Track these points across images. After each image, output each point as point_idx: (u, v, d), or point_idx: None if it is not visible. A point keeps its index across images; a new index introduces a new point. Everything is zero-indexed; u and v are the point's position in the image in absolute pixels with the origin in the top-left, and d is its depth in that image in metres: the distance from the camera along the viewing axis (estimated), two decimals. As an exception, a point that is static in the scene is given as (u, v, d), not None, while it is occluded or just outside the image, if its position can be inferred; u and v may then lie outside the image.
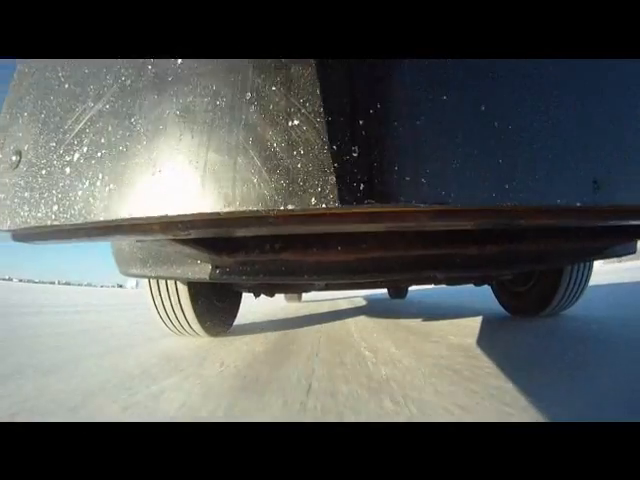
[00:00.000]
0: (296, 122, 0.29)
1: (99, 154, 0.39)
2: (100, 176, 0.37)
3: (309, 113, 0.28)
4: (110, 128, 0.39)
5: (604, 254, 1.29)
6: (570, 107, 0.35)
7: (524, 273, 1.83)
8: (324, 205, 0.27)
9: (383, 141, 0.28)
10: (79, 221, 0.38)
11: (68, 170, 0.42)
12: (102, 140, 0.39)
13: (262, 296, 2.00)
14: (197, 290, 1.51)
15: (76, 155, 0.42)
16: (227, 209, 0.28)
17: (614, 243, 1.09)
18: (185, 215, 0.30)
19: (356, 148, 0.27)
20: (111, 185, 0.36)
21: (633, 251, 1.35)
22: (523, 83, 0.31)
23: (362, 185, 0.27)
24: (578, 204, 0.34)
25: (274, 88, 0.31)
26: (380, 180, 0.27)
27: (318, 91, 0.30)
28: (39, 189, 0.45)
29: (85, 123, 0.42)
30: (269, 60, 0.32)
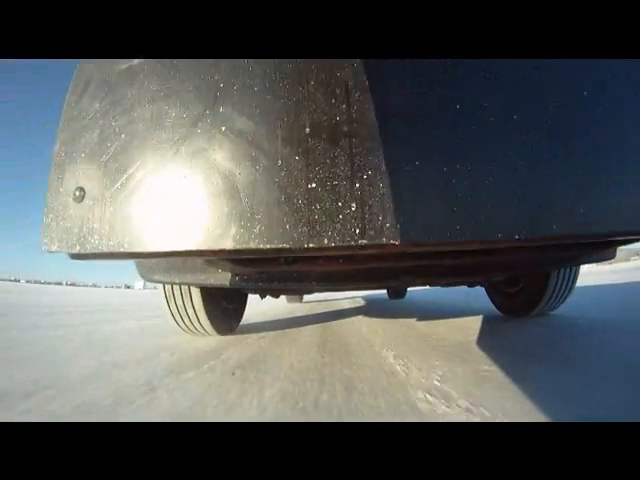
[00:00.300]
0: (313, 185, 0.42)
1: (166, 199, 0.51)
2: (169, 216, 0.50)
3: (322, 179, 0.42)
4: (172, 181, 0.51)
5: (581, 261, 1.40)
6: (510, 163, 0.48)
7: (511, 276, 1.94)
8: (333, 244, 0.41)
9: (371, 199, 0.41)
10: (150, 250, 0.51)
11: (137, 210, 0.54)
12: (167, 189, 0.52)
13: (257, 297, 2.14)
14: (208, 292, 1.62)
15: (143, 198, 0.53)
16: (268, 246, 0.41)
17: (586, 253, 1.21)
18: (238, 249, 0.43)
19: (354, 205, 0.41)
20: (179, 223, 0.49)
21: (612, 257, 1.46)
22: (469, 155, 0.44)
23: (357, 230, 0.41)
24: (516, 237, 0.47)
25: (297, 158, 0.44)
26: (370, 226, 0.41)
27: (328, 161, 0.44)
28: (108, 222, 0.55)
29: (148, 173, 0.54)
30: (294, 134, 0.46)
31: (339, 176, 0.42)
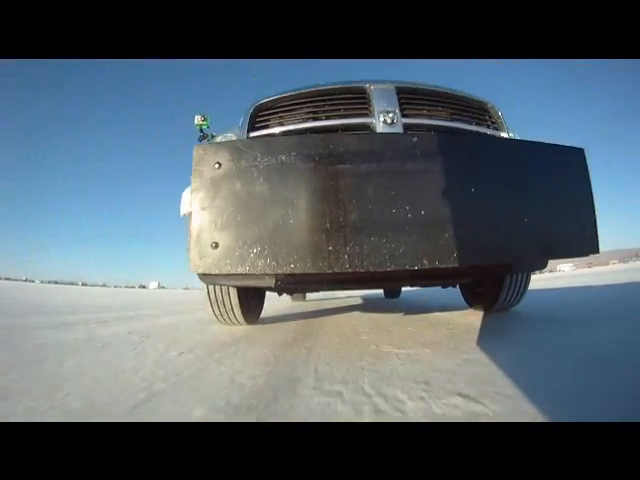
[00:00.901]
0: (330, 247, 1.05)
1: (264, 249, 1.14)
2: (266, 257, 1.13)
3: (334, 245, 1.05)
4: (266, 243, 1.13)
5: (515, 270, 1.94)
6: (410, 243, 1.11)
7: (476, 279, 2.46)
8: (338, 271, 1.02)
9: (353, 255, 1.04)
10: (256, 273, 1.14)
11: (250, 254, 1.17)
12: (266, 245, 1.14)
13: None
14: (241, 291, 2.08)
15: (252, 249, 1.15)
16: (312, 271, 1.03)
17: (518, 265, 1.75)
18: (299, 273, 1.05)
19: (346, 256, 1.04)
20: (272, 260, 1.12)
21: (544, 266, 2.00)
22: (394, 235, 1.07)
23: (348, 266, 1.03)
24: (415, 267, 1.09)
25: (324, 237, 1.07)
26: (353, 265, 1.02)
27: (336, 238, 1.07)
28: (234, 259, 1.13)
29: (255, 238, 1.15)
30: (322, 227, 1.09)
31: (340, 244, 1.06)
